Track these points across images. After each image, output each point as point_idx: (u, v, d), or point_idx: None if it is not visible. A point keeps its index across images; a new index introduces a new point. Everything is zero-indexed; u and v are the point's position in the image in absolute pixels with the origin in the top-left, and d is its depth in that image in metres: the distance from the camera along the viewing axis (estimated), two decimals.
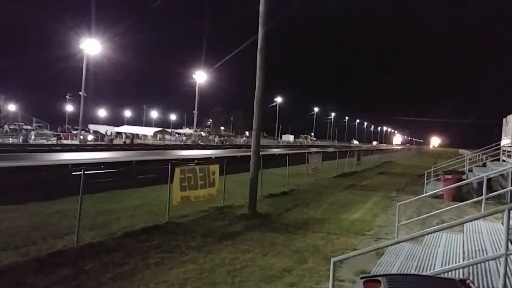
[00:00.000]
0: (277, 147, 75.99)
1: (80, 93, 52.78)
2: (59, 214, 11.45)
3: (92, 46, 52.55)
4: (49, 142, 46.48)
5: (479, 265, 5.66)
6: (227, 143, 79.41)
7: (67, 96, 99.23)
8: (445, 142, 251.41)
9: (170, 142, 72.95)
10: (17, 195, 13.17)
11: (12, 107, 72.55)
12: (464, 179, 16.21)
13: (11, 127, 51.13)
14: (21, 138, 42.15)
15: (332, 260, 5.02)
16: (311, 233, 10.83)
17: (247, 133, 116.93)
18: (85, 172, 9.36)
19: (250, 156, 14.23)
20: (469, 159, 22.81)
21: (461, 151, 76.08)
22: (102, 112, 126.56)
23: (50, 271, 6.99)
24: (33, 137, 43.38)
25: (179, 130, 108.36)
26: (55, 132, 59.77)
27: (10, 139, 43.25)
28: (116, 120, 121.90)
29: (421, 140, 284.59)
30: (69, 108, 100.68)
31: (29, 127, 55.69)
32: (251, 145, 14.81)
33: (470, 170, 20.77)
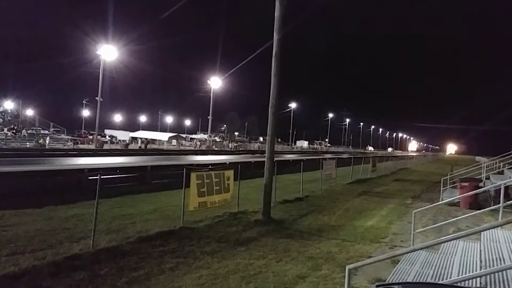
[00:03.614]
0: (291, 153, 75.89)
1: (96, 98, 53.46)
2: (75, 218, 11.57)
3: (108, 52, 53.26)
4: (66, 147, 47.15)
5: (496, 274, 5.57)
6: (241, 149, 79.54)
7: (84, 102, 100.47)
8: (461, 149, 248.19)
9: (184, 148, 73.38)
10: (34, 199, 13.33)
11: (30, 112, 73.61)
12: (481, 187, 16.00)
13: (28, 132, 51.88)
14: (33, 142, 42.61)
15: (347, 267, 4.99)
16: (326, 240, 10.77)
17: (261, 138, 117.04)
18: (101, 177, 9.43)
19: (264, 161, 14.24)
20: (486, 167, 22.51)
21: (478, 158, 75.08)
22: (118, 117, 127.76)
23: (66, 275, 7.06)
24: (48, 141, 43.79)
25: (193, 136, 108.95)
26: (72, 137, 60.57)
27: (28, 143, 43.88)
28: (132, 125, 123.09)
29: (437, 147, 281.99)
30: (86, 113, 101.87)
31: (46, 131, 56.47)
32: (265, 150, 14.83)
33: (487, 178, 20.49)
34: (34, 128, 56.60)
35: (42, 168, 18.54)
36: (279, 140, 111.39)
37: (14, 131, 50.36)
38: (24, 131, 51.53)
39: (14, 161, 20.94)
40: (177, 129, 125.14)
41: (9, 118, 57.61)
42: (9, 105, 62.44)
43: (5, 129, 49.42)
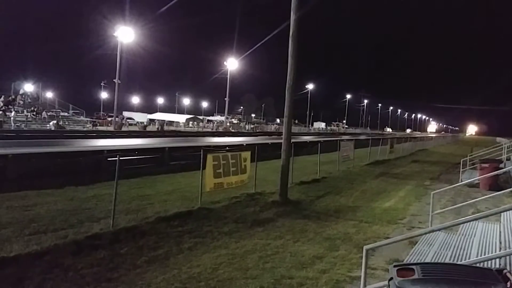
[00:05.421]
0: (309, 134, 75.64)
1: (114, 80, 53.78)
2: (95, 198, 11.75)
3: (126, 34, 53.29)
4: (85, 129, 47.73)
5: None
6: (258, 130, 79.49)
7: (102, 84, 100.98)
8: (482, 130, 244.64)
9: (202, 130, 73.74)
10: (55, 179, 13.55)
11: (49, 94, 74.40)
12: (502, 168, 15.76)
13: (48, 114, 52.57)
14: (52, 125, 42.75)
15: (365, 248, 4.98)
16: (343, 221, 10.78)
17: (278, 120, 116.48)
18: (120, 158, 9.53)
19: (281, 143, 14.22)
20: (507, 148, 22.14)
21: (498, 139, 73.80)
22: (135, 99, 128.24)
23: (87, 254, 7.22)
24: (52, 122, 43.59)
25: (210, 117, 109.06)
26: (91, 119, 61.26)
27: (48, 125, 44.40)
28: (149, 107, 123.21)
29: (456, 128, 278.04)
30: (104, 95, 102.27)
31: (65, 114, 57.14)
32: (282, 132, 14.80)
33: (508, 159, 20.16)
34: (54, 110, 57.32)
35: (63, 150, 18.83)
36: (296, 121, 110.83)
37: (34, 113, 51.09)
38: (44, 113, 52.22)
39: (34, 142, 21.28)
40: (194, 111, 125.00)
41: (29, 100, 58.33)
42: (29, 87, 63.18)
43: (25, 111, 50.13)
